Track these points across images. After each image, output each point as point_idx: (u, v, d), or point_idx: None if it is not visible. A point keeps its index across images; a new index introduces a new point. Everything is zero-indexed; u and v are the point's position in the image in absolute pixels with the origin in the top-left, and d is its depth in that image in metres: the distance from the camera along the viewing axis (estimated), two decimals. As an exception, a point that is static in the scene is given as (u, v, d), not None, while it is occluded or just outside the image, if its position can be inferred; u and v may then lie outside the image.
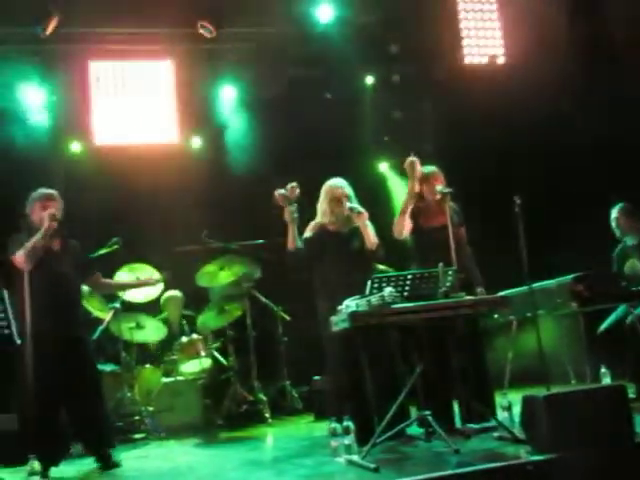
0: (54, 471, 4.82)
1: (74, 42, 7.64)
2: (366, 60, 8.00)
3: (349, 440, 4.31)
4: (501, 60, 7.91)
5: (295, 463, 4.59)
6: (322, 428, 5.67)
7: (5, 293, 4.35)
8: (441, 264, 4.49)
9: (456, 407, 5.17)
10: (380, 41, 7.98)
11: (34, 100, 7.68)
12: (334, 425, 4.41)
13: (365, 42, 7.75)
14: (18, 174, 7.37)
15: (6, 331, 4.39)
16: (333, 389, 5.12)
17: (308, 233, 5.22)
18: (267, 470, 4.52)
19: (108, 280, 5.87)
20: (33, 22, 7.09)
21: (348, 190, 5.20)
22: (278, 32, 7.82)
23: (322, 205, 5.25)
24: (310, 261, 5.16)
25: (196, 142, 8.21)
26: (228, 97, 8.15)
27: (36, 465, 4.38)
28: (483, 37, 7.89)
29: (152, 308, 7.26)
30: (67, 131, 7.93)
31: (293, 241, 5.10)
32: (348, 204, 5.08)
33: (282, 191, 5.09)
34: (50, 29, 7.05)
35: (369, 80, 8.32)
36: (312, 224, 5.27)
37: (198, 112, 8.06)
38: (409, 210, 5.20)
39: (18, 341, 4.47)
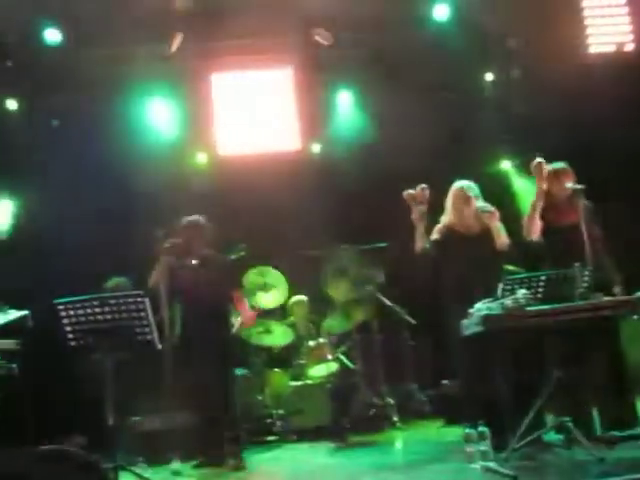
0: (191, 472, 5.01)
1: (196, 57, 7.92)
2: (485, 56, 7.83)
3: (485, 446, 4.23)
4: (630, 47, 7.52)
5: (429, 469, 4.56)
6: (454, 433, 5.63)
7: (147, 301, 4.54)
8: (577, 264, 4.33)
9: (595, 414, 4.96)
10: (498, 35, 7.78)
11: (161, 114, 8.02)
12: (469, 431, 4.34)
13: (483, 38, 7.58)
14: (147, 187, 7.76)
15: (149, 337, 4.57)
16: (466, 394, 5.02)
17: (436, 235, 5.16)
18: (401, 475, 4.51)
19: None
20: (159, 41, 7.40)
21: (476, 190, 5.12)
22: (393, 35, 7.78)
23: (450, 206, 5.17)
24: (438, 263, 5.10)
25: (316, 148, 8.30)
26: (347, 102, 8.19)
27: (178, 465, 4.58)
28: (610, 24, 7.53)
29: (279, 313, 7.40)
30: (192, 143, 8.22)
31: (421, 242, 5.05)
32: (478, 203, 4.98)
33: (411, 191, 5.07)
34: (174, 47, 7.34)
35: (488, 77, 8.13)
36: (439, 226, 5.21)
37: (318, 118, 8.14)
38: (539, 209, 5.04)
39: (159, 346, 4.66)
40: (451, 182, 5.32)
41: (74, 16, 7.29)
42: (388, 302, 7.26)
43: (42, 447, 3.75)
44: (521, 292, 4.18)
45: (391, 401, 6.96)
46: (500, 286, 4.32)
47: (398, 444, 6.16)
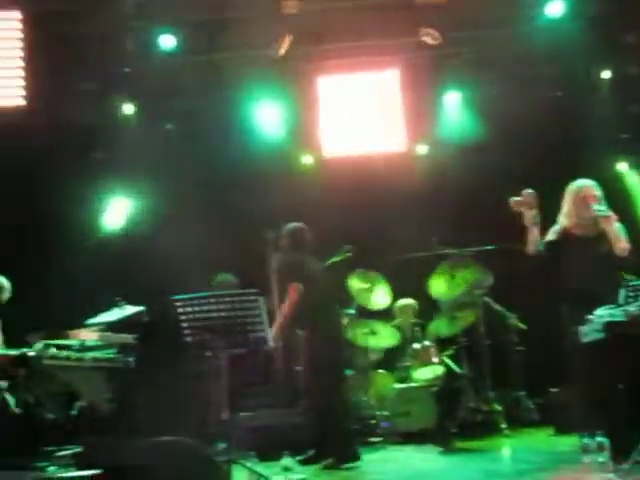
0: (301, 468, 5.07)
1: (304, 60, 8.02)
2: (600, 53, 7.55)
3: (603, 457, 4.08)
4: None
5: (543, 478, 4.43)
6: (565, 443, 5.46)
7: (261, 299, 4.64)
8: None
9: None
10: (615, 31, 7.49)
11: (269, 117, 8.17)
12: (587, 441, 4.20)
13: (598, 34, 7.32)
14: (255, 187, 7.92)
15: (261, 334, 4.66)
16: (582, 403, 4.85)
17: (551, 236, 5.00)
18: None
19: None
20: (268, 45, 7.54)
21: (597, 191, 4.91)
22: (503, 33, 7.63)
23: (567, 207, 5.00)
24: (552, 266, 4.94)
25: (423, 149, 8.24)
26: (453, 103, 8.10)
27: (289, 460, 4.64)
28: None
29: (385, 315, 7.39)
30: (298, 145, 8.32)
31: (534, 245, 4.92)
32: (594, 206, 4.79)
33: (516, 198, 4.95)
34: (283, 49, 7.46)
35: (605, 74, 7.83)
36: (555, 228, 5.05)
37: (424, 119, 8.08)
38: None
39: (271, 344, 4.75)
40: (564, 183, 5.14)
41: (187, 22, 7.54)
42: (497, 306, 7.12)
43: (161, 439, 3.86)
44: (646, 299, 4.01)
45: (498, 407, 6.82)
46: (622, 292, 4.14)
47: (507, 451, 6.03)
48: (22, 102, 7.63)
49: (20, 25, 7.60)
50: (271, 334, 4.74)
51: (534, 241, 4.93)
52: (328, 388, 5.46)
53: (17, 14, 7.60)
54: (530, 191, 4.99)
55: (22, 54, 7.64)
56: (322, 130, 8.25)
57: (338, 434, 5.45)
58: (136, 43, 7.65)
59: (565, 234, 4.97)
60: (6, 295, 6.40)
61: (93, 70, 7.80)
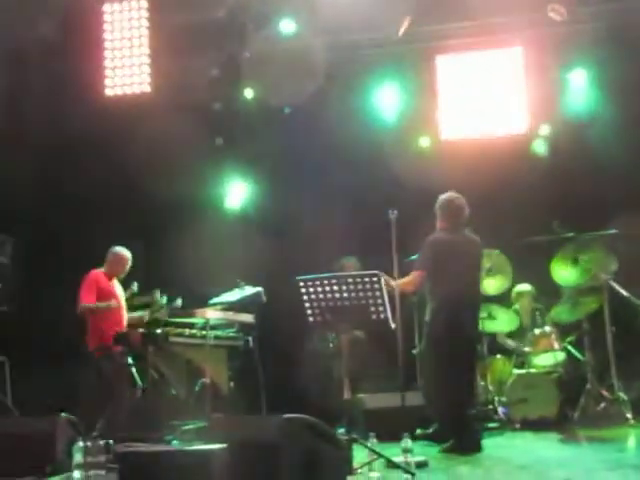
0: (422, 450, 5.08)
1: (422, 40, 7.92)
2: None
3: None
4: None
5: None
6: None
7: (382, 281, 4.66)
8: None
9: None
10: None
11: (387, 98, 8.14)
12: None
13: None
14: (373, 170, 7.93)
15: (382, 315, 4.68)
16: None
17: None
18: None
19: None
20: (388, 26, 7.50)
21: None
22: (634, 6, 7.26)
23: None
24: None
25: (545, 130, 7.97)
26: (579, 82, 7.79)
27: (409, 443, 4.64)
28: None
29: (504, 298, 7.25)
30: (416, 126, 8.24)
31: None
32: None
33: None
34: (402, 31, 7.40)
35: None
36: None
37: (549, 99, 7.81)
38: None
39: (393, 325, 4.76)
40: None
41: (307, 6, 7.60)
42: (624, 291, 6.84)
43: (289, 416, 3.93)
44: None
45: (624, 396, 6.58)
46: None
47: (632, 442, 5.81)
48: (147, 89, 7.98)
49: (146, 13, 7.93)
50: (391, 315, 4.74)
51: None
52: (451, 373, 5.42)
53: (143, 2, 7.92)
54: None
55: (148, 41, 7.97)
56: (440, 112, 8.12)
57: (457, 420, 5.41)
58: (257, 28, 7.80)
59: None
60: (127, 269, 6.67)
61: (216, 56, 8.01)
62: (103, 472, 3.19)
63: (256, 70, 8.08)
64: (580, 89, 7.81)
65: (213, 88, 8.30)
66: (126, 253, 6.67)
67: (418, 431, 5.63)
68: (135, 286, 6.70)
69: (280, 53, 7.99)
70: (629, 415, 6.42)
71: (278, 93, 8.25)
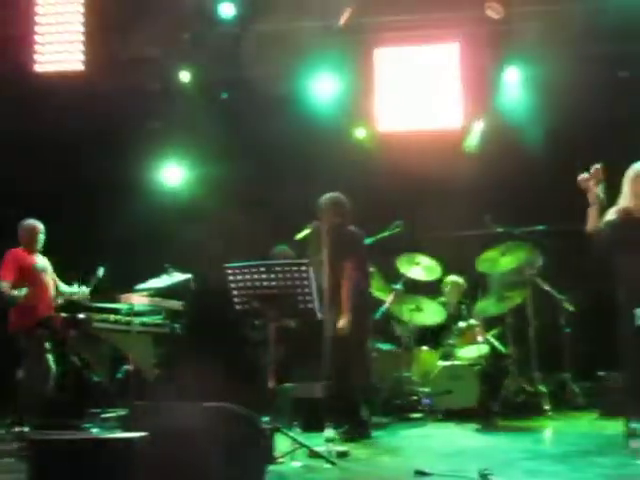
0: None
1: (362, 31, 7.92)
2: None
3: (651, 443, 4.03)
4: None
5: (590, 461, 4.41)
6: (611, 427, 5.41)
7: (310, 270, 4.66)
8: None
9: None
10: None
11: (326, 88, 8.12)
12: (635, 426, 4.14)
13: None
14: (308, 159, 7.92)
15: (309, 305, 4.69)
16: (633, 387, 4.77)
17: (611, 216, 4.88)
18: (561, 465, 4.36)
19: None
20: (328, 15, 7.48)
21: (657, 174, 4.79)
22: (567, 8, 7.43)
23: (626, 188, 4.87)
24: (611, 246, 4.83)
25: (479, 126, 8.08)
26: (514, 80, 7.93)
27: (332, 433, 4.68)
28: None
29: (432, 291, 7.35)
30: (353, 117, 8.26)
31: (593, 222, 4.81)
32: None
33: (586, 175, 4.85)
34: (343, 20, 7.39)
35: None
36: (615, 208, 4.92)
37: (483, 95, 7.93)
38: None
39: (319, 315, 4.78)
40: (621, 165, 5.01)
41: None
42: (546, 287, 7.03)
43: (207, 403, 3.92)
44: None
45: (543, 389, 6.78)
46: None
47: (551, 433, 5.99)
48: (81, 67, 7.76)
49: (81, -11, 7.69)
50: (318, 305, 4.75)
51: (594, 219, 4.82)
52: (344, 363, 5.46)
53: (78, -21, 7.68)
54: (597, 166, 4.90)
55: (82, 19, 7.75)
56: (377, 104, 8.16)
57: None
58: (197, 10, 7.67)
59: (626, 215, 4.85)
60: (41, 238, 6.43)
61: (152, 36, 7.84)
62: (12, 460, 3.10)
63: (194, 53, 7.96)
64: (514, 87, 7.96)
65: (150, 69, 8.13)
66: (34, 223, 6.32)
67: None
68: (101, 271, 6.43)
69: (219, 37, 7.88)
70: (547, 407, 6.62)
71: (215, 77, 8.17)
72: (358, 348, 5.67)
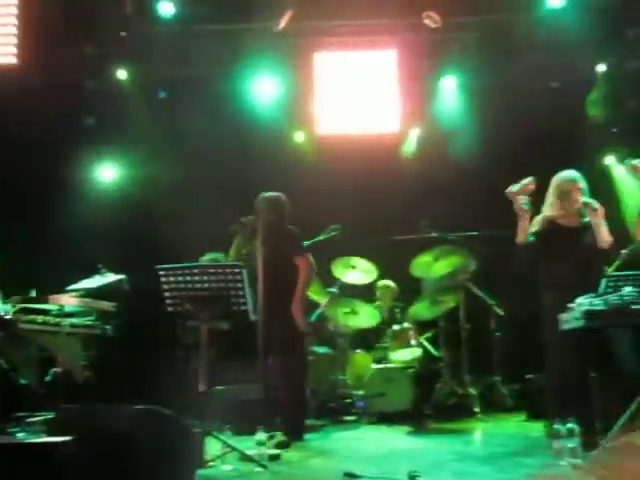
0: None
1: (302, 35, 7.96)
2: (599, 46, 7.55)
3: (574, 443, 4.14)
4: None
5: (515, 461, 4.50)
6: (537, 428, 5.54)
7: (244, 272, 4.64)
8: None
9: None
10: (615, 25, 7.48)
11: (266, 91, 8.11)
12: (557, 427, 4.25)
13: (599, 27, 7.30)
14: (246, 161, 7.89)
15: (243, 307, 4.67)
16: (556, 389, 4.90)
17: (536, 227, 5.04)
18: (488, 465, 4.43)
19: None
20: (267, 18, 7.47)
21: (582, 183, 4.96)
22: (503, 19, 7.62)
23: (551, 197, 5.04)
24: (538, 255, 4.98)
25: (416, 132, 8.22)
26: (450, 88, 8.09)
27: (263, 436, 4.66)
28: None
29: (367, 294, 7.41)
30: (293, 120, 8.28)
31: (524, 234, 4.94)
32: (583, 198, 4.84)
33: (514, 188, 4.96)
34: (283, 24, 7.40)
35: (601, 67, 7.83)
36: (539, 217, 5.08)
37: (419, 102, 8.06)
38: None
39: (253, 317, 4.76)
40: (553, 174, 5.17)
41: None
42: (478, 292, 7.17)
43: (135, 406, 3.86)
44: (627, 289, 4.05)
45: (473, 391, 6.90)
46: (603, 282, 4.19)
47: (480, 435, 6.10)
48: (13, 60, 7.56)
49: (15, -18, 7.51)
50: (252, 307, 4.73)
51: (523, 230, 4.95)
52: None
53: (13, -29, 7.50)
54: (529, 179, 5.02)
55: (17, 12, 7.56)
56: (317, 107, 8.21)
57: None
58: (136, 8, 7.56)
59: (550, 224, 5.01)
60: None
61: (90, 33, 7.70)
62: None
63: (132, 51, 7.84)
64: (450, 95, 8.11)
65: (86, 66, 7.97)
66: None
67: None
68: (33, 292, 6.24)
69: (158, 36, 7.79)
70: (477, 409, 6.74)
71: (153, 77, 8.07)
72: (297, 350, 5.66)
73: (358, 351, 7.29)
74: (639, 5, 7.29)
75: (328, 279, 7.15)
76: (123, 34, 7.70)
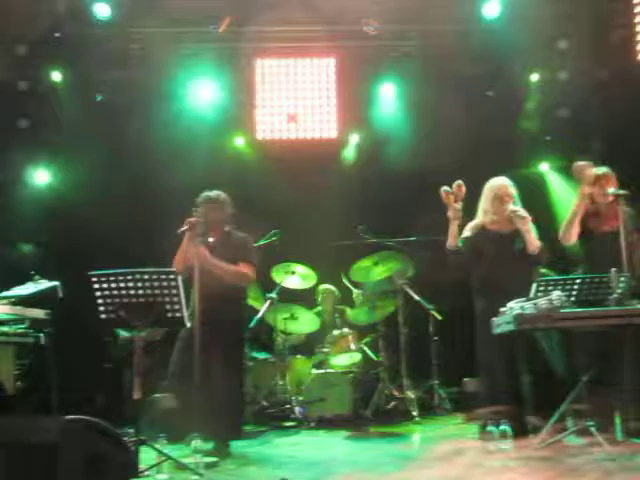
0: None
1: (242, 41, 7.93)
2: (532, 57, 7.75)
3: (506, 445, 4.23)
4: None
5: (451, 462, 4.55)
6: (473, 431, 5.61)
7: (179, 279, 4.56)
8: (614, 269, 4.29)
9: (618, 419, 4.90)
10: (549, 36, 7.68)
11: (205, 95, 8.06)
12: (491, 429, 4.33)
13: (533, 38, 7.48)
14: (185, 166, 7.80)
15: (178, 314, 4.61)
16: (490, 392, 4.99)
17: (468, 232, 5.14)
18: (425, 468, 4.48)
19: None
20: (207, 22, 7.43)
21: (512, 190, 5.08)
22: (441, 30, 7.74)
23: (484, 204, 5.15)
24: (470, 260, 5.07)
25: (354, 138, 8.28)
26: (388, 95, 8.17)
27: (199, 444, 4.61)
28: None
29: (307, 300, 7.42)
30: (232, 125, 8.25)
31: (454, 239, 5.03)
32: (511, 206, 4.96)
33: (447, 188, 5.05)
34: (223, 28, 7.37)
35: (534, 77, 8.02)
36: (472, 223, 5.18)
37: (358, 109, 8.13)
38: (580, 214, 4.98)
39: (188, 324, 4.69)
40: (487, 180, 5.28)
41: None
42: (416, 296, 7.25)
43: (71, 417, 3.78)
44: (556, 293, 4.15)
45: (411, 395, 6.97)
46: (534, 286, 4.29)
47: (417, 437, 6.16)
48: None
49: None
50: (187, 314, 4.67)
51: (454, 235, 5.04)
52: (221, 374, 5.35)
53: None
54: (460, 182, 5.12)
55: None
56: (256, 112, 8.20)
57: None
58: (70, 9, 7.41)
59: (482, 230, 5.11)
60: None
61: (24, 33, 7.51)
62: None
63: (67, 53, 7.68)
64: (388, 102, 8.19)
65: (20, 67, 7.77)
66: None
67: None
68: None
69: (94, 38, 7.65)
70: (415, 412, 6.81)
71: (89, 79, 7.92)
72: (235, 354, 5.58)
73: (298, 356, 7.29)
74: (570, 18, 7.49)
75: (267, 284, 7.13)
76: (57, 35, 7.52)
